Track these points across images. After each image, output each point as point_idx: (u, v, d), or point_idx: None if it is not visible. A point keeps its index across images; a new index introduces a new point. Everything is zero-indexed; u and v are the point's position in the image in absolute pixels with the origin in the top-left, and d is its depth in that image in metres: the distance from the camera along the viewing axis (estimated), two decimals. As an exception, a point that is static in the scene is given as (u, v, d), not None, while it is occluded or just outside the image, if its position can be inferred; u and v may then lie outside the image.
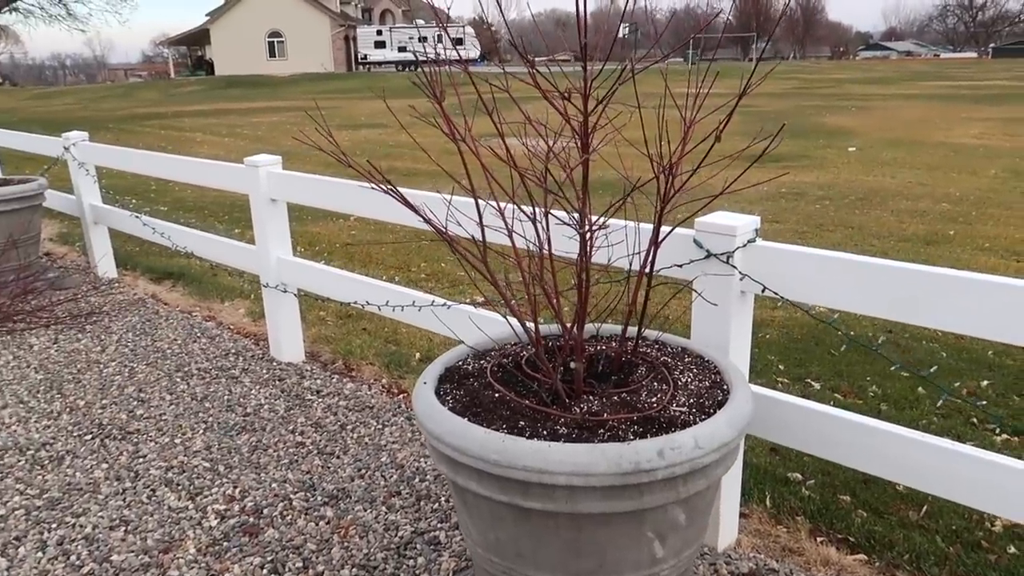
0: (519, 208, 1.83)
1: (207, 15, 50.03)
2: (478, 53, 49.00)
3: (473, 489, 1.65)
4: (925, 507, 2.65)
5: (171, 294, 5.31)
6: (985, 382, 3.83)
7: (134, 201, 9.09)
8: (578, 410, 1.70)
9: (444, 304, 3.04)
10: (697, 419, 1.66)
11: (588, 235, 1.72)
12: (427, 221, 1.83)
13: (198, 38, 52.85)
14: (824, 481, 2.83)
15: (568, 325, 1.81)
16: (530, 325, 1.83)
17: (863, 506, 2.67)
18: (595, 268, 2.18)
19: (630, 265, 2.23)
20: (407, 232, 7.24)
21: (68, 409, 3.49)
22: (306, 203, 3.62)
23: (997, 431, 3.27)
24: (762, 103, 23.63)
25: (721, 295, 2.19)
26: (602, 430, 1.63)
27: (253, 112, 23.65)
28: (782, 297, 2.10)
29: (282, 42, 48.45)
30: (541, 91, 1.71)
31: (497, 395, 1.78)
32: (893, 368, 3.90)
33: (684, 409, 1.71)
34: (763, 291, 2.14)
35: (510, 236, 1.89)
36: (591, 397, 1.76)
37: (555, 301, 1.83)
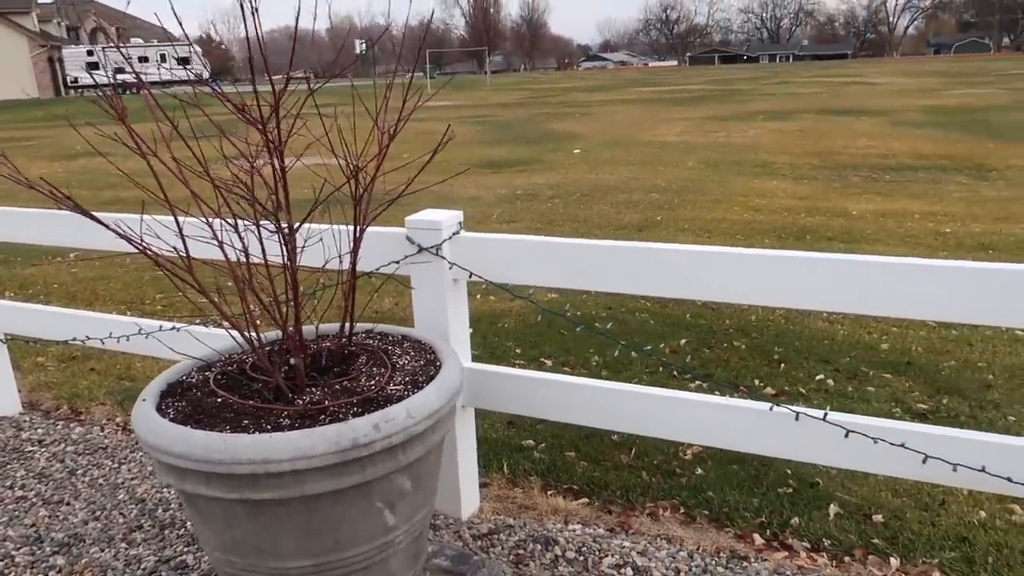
0: (224, 220, 1.89)
1: None
2: (208, 72, 46.46)
3: (203, 493, 1.68)
4: (633, 450, 3.07)
5: None
6: (683, 340, 4.47)
7: None
8: (301, 402, 1.81)
9: (172, 327, 2.97)
10: (412, 394, 1.83)
11: (289, 236, 1.82)
12: (121, 236, 1.82)
13: None
14: (553, 443, 3.17)
15: (286, 325, 1.91)
16: (249, 332, 1.90)
17: (585, 458, 3.04)
18: (309, 271, 2.29)
19: (340, 264, 2.37)
20: (139, 265, 6.77)
21: None
22: (7, 239, 3.32)
23: (691, 379, 3.86)
24: (497, 112, 24.98)
25: (435, 284, 2.40)
26: (324, 416, 1.74)
27: (-64, 146, 20.48)
28: (486, 280, 2.35)
29: (-35, 65, 42.40)
30: (232, 109, 1.79)
31: (220, 400, 1.83)
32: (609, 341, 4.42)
33: (400, 388, 1.88)
34: (470, 276, 2.38)
35: (220, 247, 1.94)
36: (314, 389, 1.87)
37: (273, 305, 1.91)
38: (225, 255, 1.95)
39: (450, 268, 2.38)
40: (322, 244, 2.42)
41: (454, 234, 2.38)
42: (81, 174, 13.62)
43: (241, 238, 1.85)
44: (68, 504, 2.83)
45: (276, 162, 1.77)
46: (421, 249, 2.37)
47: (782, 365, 4.04)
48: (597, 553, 2.41)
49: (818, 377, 3.85)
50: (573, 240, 2.24)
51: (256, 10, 1.76)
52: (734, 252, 2.03)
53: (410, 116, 2.06)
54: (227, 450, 1.60)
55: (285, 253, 1.84)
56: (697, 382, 3.84)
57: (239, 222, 1.98)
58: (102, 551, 2.52)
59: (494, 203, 9.56)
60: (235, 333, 1.98)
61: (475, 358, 2.64)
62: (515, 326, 4.89)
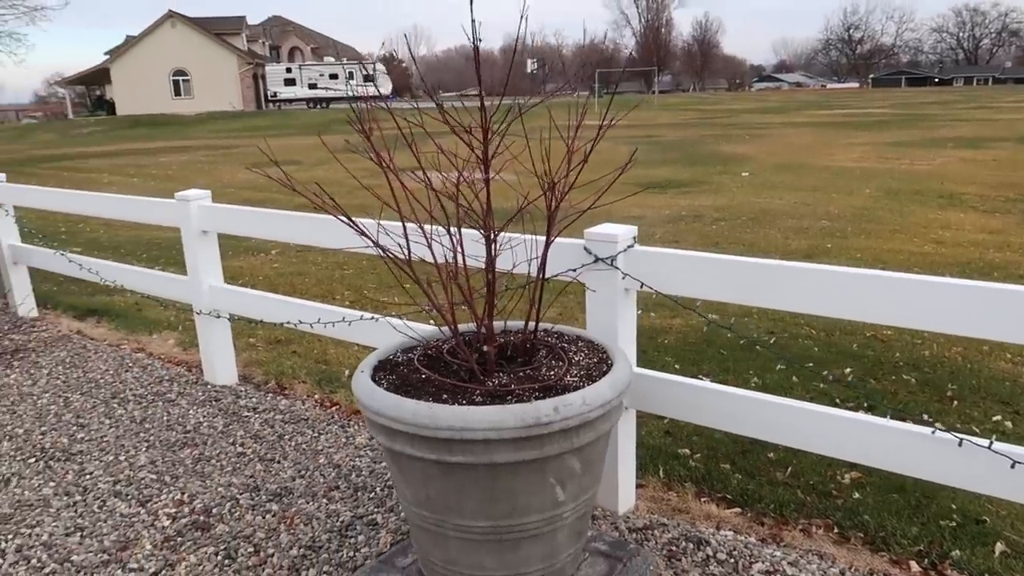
0: (438, 225, 2.21)
1: (106, 54, 48.82)
2: (390, 89, 49.47)
3: (408, 452, 2.00)
4: (790, 468, 3.13)
5: (97, 330, 5.42)
6: (848, 369, 4.41)
7: (45, 243, 8.98)
8: (491, 384, 2.08)
9: (373, 318, 3.38)
10: (586, 385, 2.06)
11: (492, 241, 2.11)
12: (362, 234, 2.19)
13: (97, 77, 51.39)
14: (708, 454, 3.29)
15: (480, 319, 2.20)
16: (453, 322, 2.21)
17: (740, 471, 3.14)
18: (501, 273, 2.58)
19: (529, 269, 2.64)
20: (329, 263, 7.50)
21: (7, 437, 3.63)
22: (235, 232, 3.90)
23: (854, 407, 3.82)
24: (665, 133, 24.90)
25: (608, 292, 2.62)
26: (511, 397, 2.01)
27: (161, 152, 23.31)
28: (656, 291, 2.54)
29: (188, 80, 47.70)
30: (450, 126, 2.11)
31: (424, 376, 2.14)
32: (780, 366, 4.44)
33: (576, 379, 2.11)
34: (641, 287, 2.58)
35: (429, 247, 2.27)
36: (501, 374, 2.15)
37: (470, 299, 2.21)
38: (433, 255, 2.27)
39: (623, 278, 2.59)
40: (511, 251, 2.71)
41: (628, 247, 2.59)
42: (278, 181, 15.05)
43: (452, 239, 2.16)
44: (278, 463, 3.30)
45: (483, 175, 2.06)
46: (597, 259, 2.60)
47: (955, 403, 3.90)
48: (748, 558, 2.52)
49: (995, 418, 3.70)
50: (741, 258, 2.38)
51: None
52: (913, 278, 2.10)
53: (601, 136, 2.29)
54: (431, 417, 1.90)
55: (486, 256, 2.13)
56: (860, 412, 3.79)
57: (444, 227, 2.29)
58: (307, 503, 2.94)
59: (657, 223, 9.66)
60: (432, 327, 2.30)
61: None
62: (674, 343, 5.00)
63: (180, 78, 47.69)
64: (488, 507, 2.01)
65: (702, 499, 2.93)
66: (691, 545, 2.59)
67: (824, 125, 26.18)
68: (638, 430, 3.47)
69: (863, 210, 10.09)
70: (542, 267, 2.28)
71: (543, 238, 2.72)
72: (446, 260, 2.22)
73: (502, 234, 2.64)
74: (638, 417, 3.19)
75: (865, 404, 3.89)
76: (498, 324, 2.46)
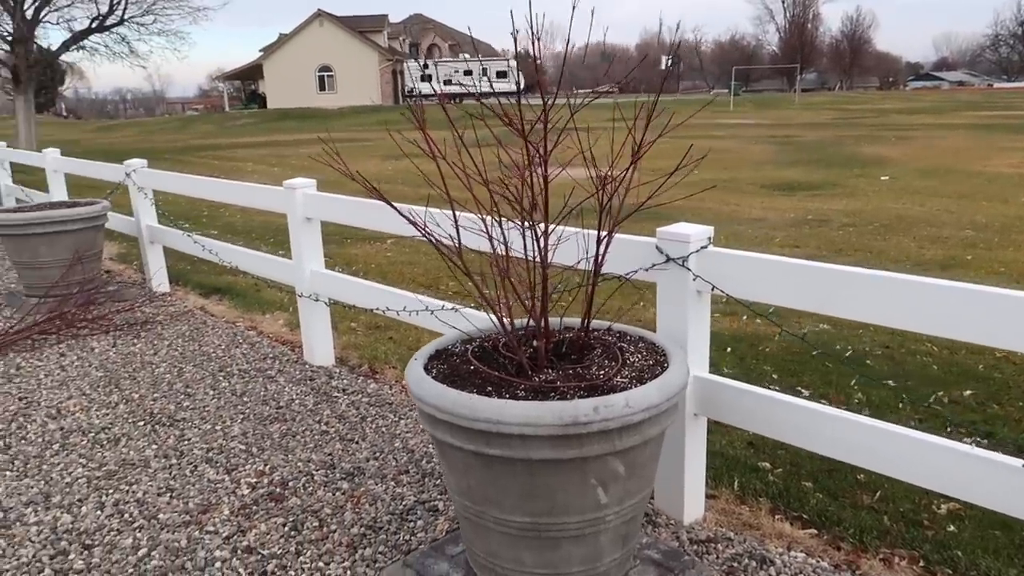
0: (493, 217, 2.21)
1: (261, 51, 52.09)
2: (522, 86, 49.91)
3: (449, 441, 2.01)
4: (879, 492, 2.91)
5: (218, 307, 5.81)
6: (968, 392, 4.04)
7: (187, 225, 9.70)
8: (537, 379, 2.06)
9: (452, 308, 3.42)
10: (634, 387, 1.99)
11: (545, 234, 2.08)
12: (412, 223, 2.22)
13: (252, 72, 54.95)
14: (790, 470, 3.11)
15: (534, 314, 2.17)
16: (503, 316, 2.20)
17: (822, 491, 2.95)
18: (561, 268, 2.54)
19: (587, 265, 2.58)
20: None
21: (124, 400, 3.95)
22: (334, 220, 4.06)
23: (969, 435, 3.50)
24: (802, 133, 23.78)
25: (679, 294, 2.53)
26: (554, 393, 1.98)
27: (303, 143, 24.64)
28: (728, 295, 2.43)
29: (332, 76, 50.10)
30: (508, 123, 2.09)
31: (472, 368, 2.14)
32: (888, 382, 4.14)
33: (626, 380, 2.05)
34: (713, 289, 2.47)
35: (490, 240, 2.27)
36: (550, 371, 2.12)
37: (526, 296, 2.19)
38: (493, 247, 2.27)
39: (694, 280, 2.49)
40: (577, 246, 2.66)
41: (702, 248, 2.48)
42: (404, 172, 15.55)
43: (503, 233, 2.15)
44: (356, 443, 3.41)
45: (540, 171, 2.03)
46: (669, 259, 2.51)
47: (1090, 436, 3.50)
48: (814, 583, 2.36)
49: None
50: (821, 264, 2.23)
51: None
52: (996, 292, 1.90)
53: (660, 135, 2.21)
54: (471, 408, 1.90)
55: (538, 251, 2.11)
56: (975, 439, 3.47)
57: (502, 221, 2.29)
58: (376, 485, 3.02)
59: (780, 226, 9.24)
60: (492, 316, 2.30)
61: (729, 377, 2.69)
62: (776, 351, 4.77)
63: (325, 74, 50.18)
64: (526, 503, 1.99)
65: (776, 516, 2.78)
66: (754, 563, 2.46)
67: (982, 127, 24.15)
68: (719, 438, 3.35)
69: (1016, 219, 9.23)
70: (596, 264, 2.22)
71: (618, 235, 2.66)
72: (498, 252, 2.21)
73: (561, 228, 2.60)
74: (720, 426, 3.07)
75: (981, 431, 3.55)
76: (556, 320, 2.43)
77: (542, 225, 2.16)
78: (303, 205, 4.24)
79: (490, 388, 2.03)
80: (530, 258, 2.23)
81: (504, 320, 2.19)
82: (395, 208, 2.41)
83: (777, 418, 2.42)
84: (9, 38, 20.76)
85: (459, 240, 2.19)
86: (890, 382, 4.14)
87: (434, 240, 2.19)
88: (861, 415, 2.31)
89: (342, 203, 4.00)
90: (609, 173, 2.14)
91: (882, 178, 13.31)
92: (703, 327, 2.61)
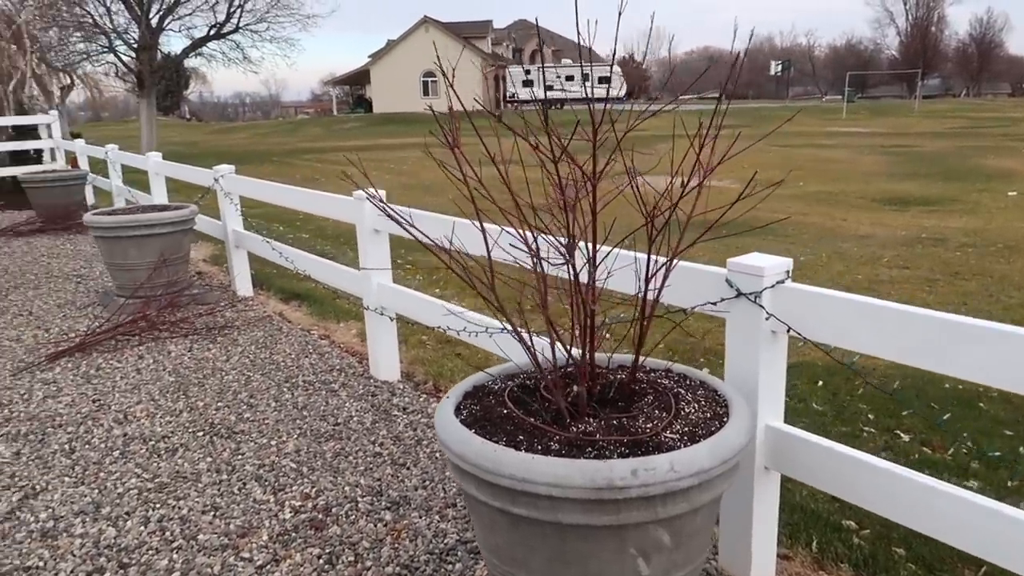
0: (537, 236, 2.00)
1: (369, 56, 53.60)
2: (624, 92, 49.31)
3: (474, 494, 1.82)
4: (984, 567, 2.53)
5: (295, 313, 5.84)
6: (1101, 448, 3.53)
7: (280, 228, 9.94)
8: (575, 430, 1.84)
9: (513, 332, 3.23)
10: (683, 446, 1.75)
11: (588, 265, 1.86)
12: (435, 248, 2.04)
13: (360, 78, 56.65)
14: (880, 532, 2.76)
15: (574, 352, 1.96)
16: (534, 354, 1.99)
17: (916, 560, 2.58)
18: (620, 297, 2.30)
19: (640, 293, 2.33)
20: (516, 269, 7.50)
21: (188, 408, 3.96)
22: (398, 233, 3.94)
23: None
24: (920, 142, 22.36)
25: (751, 334, 2.25)
26: (590, 448, 1.75)
27: (402, 148, 25.08)
28: (805, 338, 2.13)
29: (435, 81, 50.96)
30: (534, 151, 1.89)
31: (506, 411, 1.95)
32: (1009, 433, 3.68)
33: (676, 436, 1.81)
34: (788, 331, 2.18)
35: (537, 260, 2.06)
36: (591, 420, 1.89)
37: (573, 327, 1.98)
38: (542, 269, 2.07)
39: (767, 319, 2.21)
40: (634, 275, 2.42)
41: (778, 283, 2.20)
42: (489, 180, 15.51)
43: (538, 260, 1.95)
44: (408, 468, 3.27)
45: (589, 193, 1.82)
46: (739, 294, 2.24)
47: None
48: (898, 677, 2.04)
49: None
50: (917, 310, 1.92)
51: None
52: None
53: (727, 155, 1.95)
54: (495, 462, 1.71)
55: (576, 282, 1.89)
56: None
57: (545, 244, 2.08)
58: (420, 518, 2.86)
59: (889, 244, 8.59)
60: (527, 353, 2.09)
61: (819, 415, 2.40)
62: (873, 389, 4.34)
63: (428, 79, 51.11)
64: (557, 568, 1.78)
65: (858, 588, 2.45)
66: (827, 646, 2.16)
67: None
68: (799, 488, 3.02)
69: None
70: (643, 300, 1.98)
71: (682, 263, 2.41)
72: (537, 277, 2.01)
73: (616, 252, 2.37)
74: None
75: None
76: (604, 357, 2.20)
77: (586, 249, 1.95)
78: (371, 216, 4.15)
79: (521, 437, 1.82)
80: (568, 287, 2.01)
81: (539, 356, 1.98)
82: (411, 234, 2.24)
83: (860, 481, 2.11)
84: (136, 45, 22.09)
85: (491, 270, 2.00)
86: (1008, 432, 3.67)
87: (463, 270, 2.01)
88: (973, 492, 1.96)
89: (409, 216, 3.87)
90: (667, 192, 1.90)
91: (1009, 194, 12.26)
92: (777, 371, 2.31)
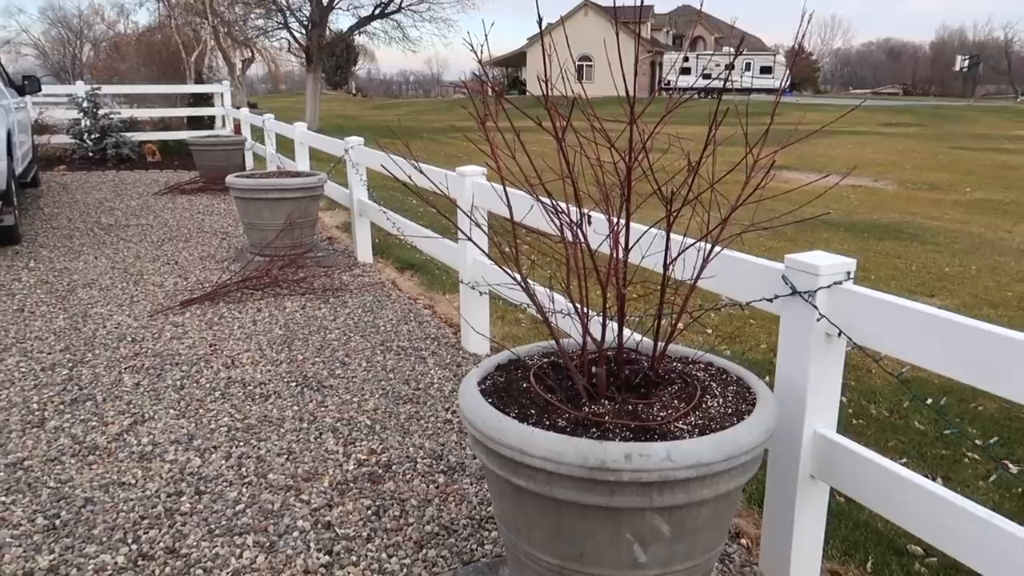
0: (567, 211, 2.01)
1: (527, 39, 54.13)
2: (787, 83, 47.00)
3: (483, 461, 1.87)
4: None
5: (407, 282, 6.08)
6: None
7: (414, 201, 10.32)
8: (587, 410, 1.84)
9: (587, 312, 3.23)
10: (692, 437, 1.71)
11: (626, 250, 1.85)
12: (464, 234, 2.08)
13: (516, 60, 57.34)
14: (950, 563, 2.55)
15: (593, 334, 1.95)
16: (558, 337, 2.00)
17: (981, 598, 2.38)
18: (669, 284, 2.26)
19: (689, 278, 2.27)
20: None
21: (288, 360, 4.26)
22: (496, 211, 4.02)
23: None
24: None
25: (803, 335, 2.15)
26: (595, 429, 1.76)
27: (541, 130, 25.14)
28: (854, 343, 2.01)
29: (591, 66, 50.71)
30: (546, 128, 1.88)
31: (525, 385, 1.98)
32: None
33: (687, 428, 1.77)
34: (839, 335, 2.06)
35: (569, 231, 2.07)
36: (607, 402, 1.89)
37: (605, 307, 1.98)
38: (586, 239, 2.07)
39: (819, 320, 2.10)
40: (683, 260, 2.36)
41: (835, 283, 2.08)
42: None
43: (572, 226, 1.95)
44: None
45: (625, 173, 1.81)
46: (794, 292, 2.14)
47: None
48: None
49: None
50: (982, 324, 1.76)
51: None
52: None
53: (785, 145, 1.87)
54: (498, 431, 1.75)
55: (610, 254, 1.88)
56: None
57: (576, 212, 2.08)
58: (470, 484, 2.95)
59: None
60: (567, 328, 2.10)
61: (880, 428, 2.25)
62: (994, 412, 3.98)
63: (585, 63, 50.91)
64: (555, 543, 1.80)
65: (908, 617, 2.29)
66: (851, 669, 2.04)
67: None
68: (858, 507, 2.84)
69: None
70: (664, 279, 1.94)
71: (738, 254, 2.34)
72: (565, 245, 2.01)
73: (641, 227, 2.32)
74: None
75: None
76: (636, 340, 2.17)
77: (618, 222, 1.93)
78: (471, 192, 4.26)
79: (533, 411, 1.85)
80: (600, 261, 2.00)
81: (562, 337, 1.99)
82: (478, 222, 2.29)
83: (907, 501, 1.97)
84: (306, 23, 23.50)
85: (522, 276, 2.02)
86: None
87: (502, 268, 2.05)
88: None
89: (500, 196, 3.94)
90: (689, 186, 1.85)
91: None
92: (831, 377, 2.19)
